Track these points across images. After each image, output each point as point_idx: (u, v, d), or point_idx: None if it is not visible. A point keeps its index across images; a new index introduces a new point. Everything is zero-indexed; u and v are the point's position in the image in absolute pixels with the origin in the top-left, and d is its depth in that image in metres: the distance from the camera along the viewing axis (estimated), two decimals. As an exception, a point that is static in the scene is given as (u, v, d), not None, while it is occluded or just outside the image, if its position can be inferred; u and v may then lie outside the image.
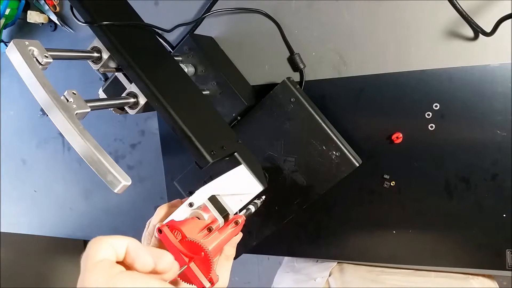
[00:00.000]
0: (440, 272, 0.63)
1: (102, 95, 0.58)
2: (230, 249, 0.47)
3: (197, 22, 0.66)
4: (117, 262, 0.31)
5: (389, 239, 0.62)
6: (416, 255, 0.62)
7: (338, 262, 0.70)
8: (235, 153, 0.50)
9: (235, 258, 0.66)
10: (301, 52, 0.63)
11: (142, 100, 0.47)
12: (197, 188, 0.43)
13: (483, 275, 0.64)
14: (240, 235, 0.47)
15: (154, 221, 0.46)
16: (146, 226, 0.48)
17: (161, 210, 0.46)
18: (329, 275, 0.68)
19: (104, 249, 0.30)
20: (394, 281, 0.63)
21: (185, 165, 0.64)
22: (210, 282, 0.36)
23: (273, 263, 0.84)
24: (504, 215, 0.56)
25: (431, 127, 0.57)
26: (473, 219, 0.57)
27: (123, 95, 0.48)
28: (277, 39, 0.64)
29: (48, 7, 0.80)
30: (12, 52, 0.37)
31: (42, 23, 0.82)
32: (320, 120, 0.57)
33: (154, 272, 0.32)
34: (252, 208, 0.50)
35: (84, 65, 0.52)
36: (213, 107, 0.56)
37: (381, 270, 0.66)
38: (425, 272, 0.63)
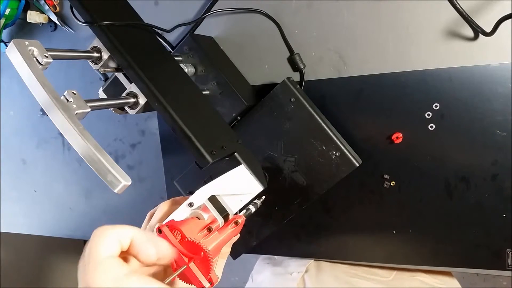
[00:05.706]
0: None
1: (102, 95, 0.58)
2: (225, 248, 0.47)
3: (197, 22, 0.66)
4: (121, 252, 0.30)
5: (389, 239, 0.62)
6: (416, 255, 0.62)
7: (314, 259, 0.70)
8: (235, 153, 0.50)
9: (235, 258, 0.66)
10: (301, 52, 0.63)
11: (142, 100, 0.47)
12: (197, 188, 0.43)
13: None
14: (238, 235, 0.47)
15: (156, 216, 0.45)
16: (147, 217, 0.47)
17: (164, 206, 0.46)
18: (306, 271, 0.68)
19: (110, 243, 0.29)
20: (367, 286, 0.64)
21: (185, 165, 0.64)
22: (209, 282, 0.36)
23: (273, 263, 0.84)
24: (504, 215, 0.55)
25: (431, 127, 0.57)
26: (473, 219, 0.57)
27: (123, 95, 0.48)
28: (277, 39, 0.64)
29: (48, 7, 0.80)
30: (12, 52, 0.37)
31: (42, 23, 0.82)
32: (320, 120, 0.57)
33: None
34: (252, 208, 0.50)
35: (84, 65, 0.52)
36: (213, 107, 0.56)
37: (355, 273, 0.66)
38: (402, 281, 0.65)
